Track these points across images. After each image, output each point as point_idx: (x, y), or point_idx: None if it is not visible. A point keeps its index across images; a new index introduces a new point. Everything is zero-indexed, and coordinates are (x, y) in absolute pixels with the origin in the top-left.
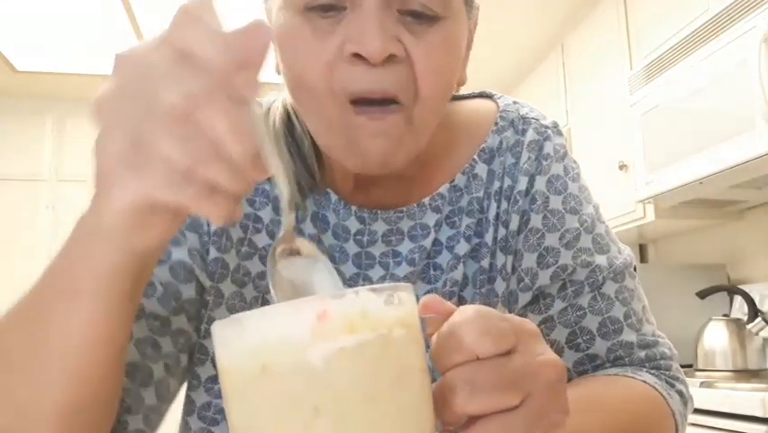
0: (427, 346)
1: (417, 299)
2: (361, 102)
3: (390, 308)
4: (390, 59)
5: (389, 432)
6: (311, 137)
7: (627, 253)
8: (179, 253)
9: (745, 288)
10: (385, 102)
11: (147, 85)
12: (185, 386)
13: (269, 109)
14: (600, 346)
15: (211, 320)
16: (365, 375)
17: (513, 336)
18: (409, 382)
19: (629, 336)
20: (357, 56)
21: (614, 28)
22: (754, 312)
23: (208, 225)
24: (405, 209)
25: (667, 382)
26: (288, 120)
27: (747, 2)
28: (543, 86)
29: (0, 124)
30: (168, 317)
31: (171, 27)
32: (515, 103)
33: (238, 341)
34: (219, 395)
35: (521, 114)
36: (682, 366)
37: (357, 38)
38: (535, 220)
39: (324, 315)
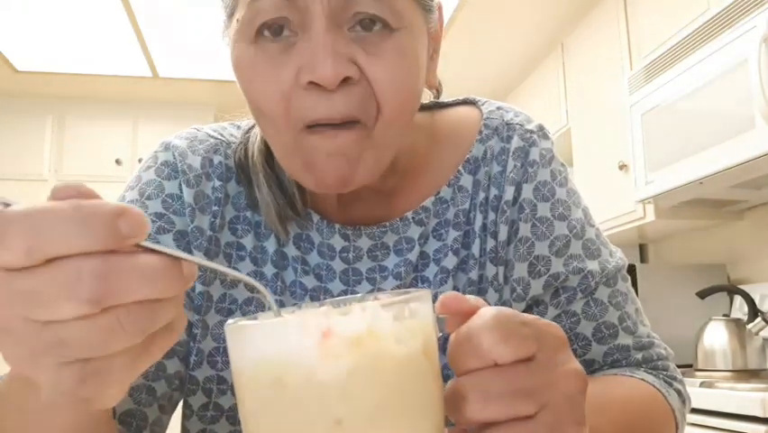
0: (445, 342)
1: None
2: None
3: (398, 323)
4: (346, 81)
5: None
6: None
7: (619, 256)
8: None
9: (745, 288)
10: (344, 123)
11: (25, 313)
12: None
13: (247, 140)
14: (597, 351)
15: (199, 352)
16: (375, 389)
17: (534, 344)
18: (421, 390)
19: (625, 339)
20: (313, 83)
21: (614, 28)
22: (754, 312)
23: None
24: (388, 224)
25: (665, 381)
26: (267, 150)
27: (747, 2)
28: (543, 86)
29: (0, 124)
30: (161, 362)
31: (6, 245)
32: (498, 109)
33: (251, 349)
34: (213, 421)
35: (505, 120)
36: (682, 366)
37: (310, 65)
38: (524, 229)
39: (328, 333)
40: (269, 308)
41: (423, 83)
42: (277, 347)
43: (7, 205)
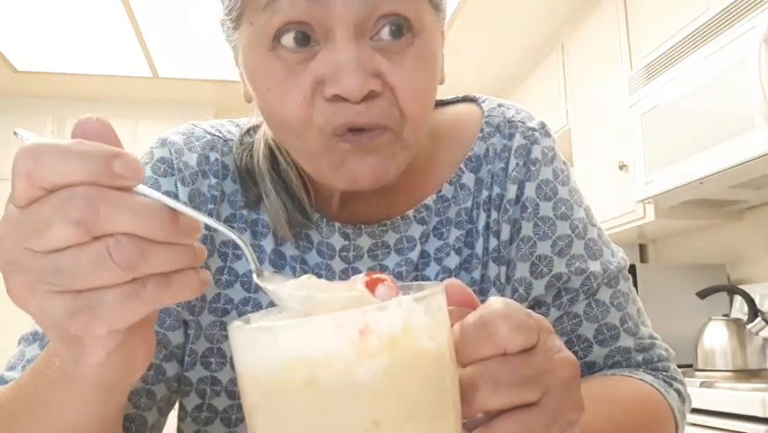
0: None
1: None
2: (345, 130)
3: (429, 317)
4: (370, 94)
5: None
6: (296, 168)
7: (621, 256)
8: None
9: (745, 288)
10: (370, 128)
11: (27, 244)
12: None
13: (251, 146)
14: (598, 353)
15: (193, 353)
16: (413, 386)
17: (536, 334)
18: (449, 384)
19: (626, 341)
20: (337, 95)
21: (614, 28)
22: (754, 312)
23: None
24: (389, 222)
25: (664, 381)
26: (272, 156)
27: (747, 2)
28: (543, 86)
29: (0, 124)
30: (160, 365)
31: (16, 177)
32: (500, 106)
33: (274, 352)
34: (207, 422)
35: (507, 117)
36: (682, 366)
37: (334, 78)
38: (526, 228)
39: (365, 330)
40: (253, 269)
41: (438, 81)
42: (310, 347)
43: (27, 140)
